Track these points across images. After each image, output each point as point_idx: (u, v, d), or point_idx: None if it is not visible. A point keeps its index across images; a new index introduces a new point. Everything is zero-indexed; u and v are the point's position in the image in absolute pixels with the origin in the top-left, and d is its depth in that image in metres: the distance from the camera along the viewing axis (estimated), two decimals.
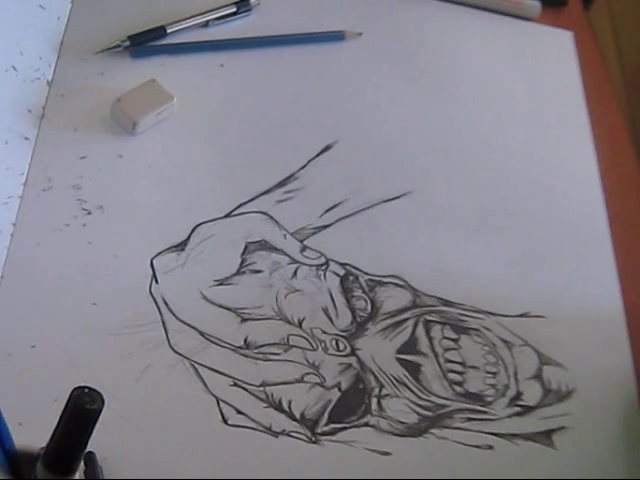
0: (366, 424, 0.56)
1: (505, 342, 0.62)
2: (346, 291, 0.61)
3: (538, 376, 0.61)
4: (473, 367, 0.60)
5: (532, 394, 0.60)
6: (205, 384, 0.54)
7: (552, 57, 0.84)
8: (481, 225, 0.69)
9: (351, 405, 0.56)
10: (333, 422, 0.55)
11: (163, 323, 0.56)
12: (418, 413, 0.57)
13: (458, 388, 0.59)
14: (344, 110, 0.72)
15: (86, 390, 0.39)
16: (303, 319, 0.58)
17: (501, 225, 0.69)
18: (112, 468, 0.49)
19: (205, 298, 0.58)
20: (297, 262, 0.61)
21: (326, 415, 0.55)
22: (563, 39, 0.85)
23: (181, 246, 0.60)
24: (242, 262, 0.60)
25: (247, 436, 0.53)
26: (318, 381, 0.56)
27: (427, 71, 0.78)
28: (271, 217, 0.63)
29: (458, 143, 0.74)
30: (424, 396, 0.58)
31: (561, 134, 0.77)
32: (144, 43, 0.69)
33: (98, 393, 0.39)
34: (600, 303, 0.67)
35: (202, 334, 0.56)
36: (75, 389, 0.39)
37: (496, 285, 0.65)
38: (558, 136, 0.77)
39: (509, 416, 0.58)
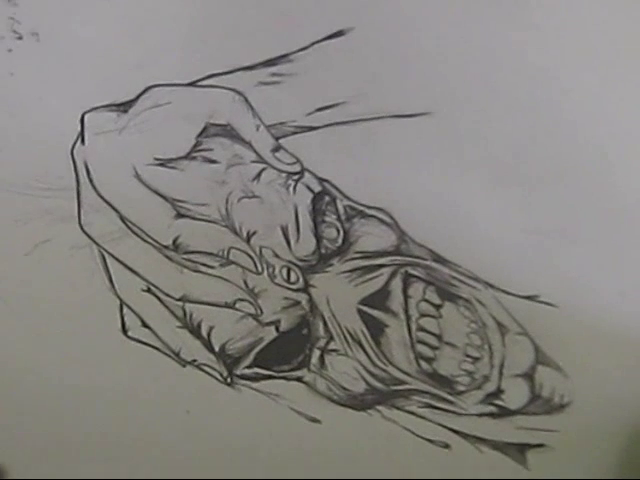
0: (299, 379, 0.51)
1: (499, 325, 0.52)
2: (317, 213, 0.51)
3: (529, 375, 0.52)
4: (451, 344, 0.52)
5: (516, 395, 0.52)
6: (111, 280, 0.49)
7: None
8: (506, 175, 0.56)
9: (286, 351, 0.50)
10: (258, 366, 0.51)
11: (78, 194, 0.49)
12: (368, 382, 0.51)
13: (425, 365, 0.51)
14: None
15: None
16: (253, 233, 0.50)
17: (531, 182, 0.57)
18: None
19: (138, 177, 0.49)
20: (264, 162, 0.51)
21: (252, 355, 0.50)
22: None
23: (125, 107, 0.50)
24: (195, 145, 0.50)
25: (146, 355, 0.50)
26: (253, 312, 0.50)
27: None
28: (246, 99, 0.52)
29: (504, 71, 0.60)
30: (380, 364, 0.51)
31: None
32: None
33: None
34: (632, 310, 0.57)
35: (123, 219, 0.49)
36: None
37: (506, 252, 0.54)
38: (637, 100, 0.66)
39: (480, 415, 0.52)
